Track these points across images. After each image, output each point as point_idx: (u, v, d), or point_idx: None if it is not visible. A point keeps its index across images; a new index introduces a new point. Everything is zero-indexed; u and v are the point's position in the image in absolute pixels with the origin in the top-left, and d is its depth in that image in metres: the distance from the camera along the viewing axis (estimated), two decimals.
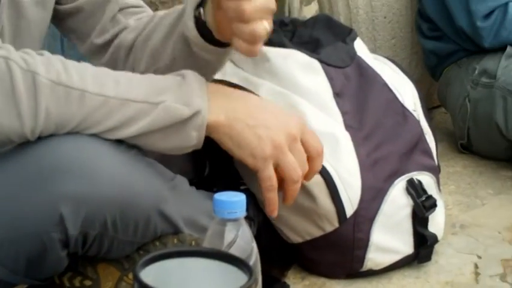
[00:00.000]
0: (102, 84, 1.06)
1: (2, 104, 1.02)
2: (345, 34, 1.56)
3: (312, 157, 1.16)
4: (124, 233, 1.12)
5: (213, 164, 1.22)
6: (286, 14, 3.07)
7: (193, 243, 1.16)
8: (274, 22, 1.62)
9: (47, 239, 1.06)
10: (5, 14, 1.18)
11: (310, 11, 3.54)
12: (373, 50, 2.60)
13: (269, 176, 1.12)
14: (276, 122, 1.12)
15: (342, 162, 1.39)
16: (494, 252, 1.67)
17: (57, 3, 1.31)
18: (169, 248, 1.14)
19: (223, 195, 0.95)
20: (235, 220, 0.94)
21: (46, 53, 1.07)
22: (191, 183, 1.24)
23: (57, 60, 1.07)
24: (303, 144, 1.15)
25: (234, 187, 1.46)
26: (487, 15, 2.20)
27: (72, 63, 1.07)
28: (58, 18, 1.35)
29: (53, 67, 1.05)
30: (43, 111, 1.03)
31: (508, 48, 2.21)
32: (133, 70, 1.26)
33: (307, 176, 1.18)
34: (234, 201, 0.94)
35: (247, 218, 0.97)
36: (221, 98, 1.12)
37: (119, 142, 1.09)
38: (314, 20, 1.61)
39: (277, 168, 1.12)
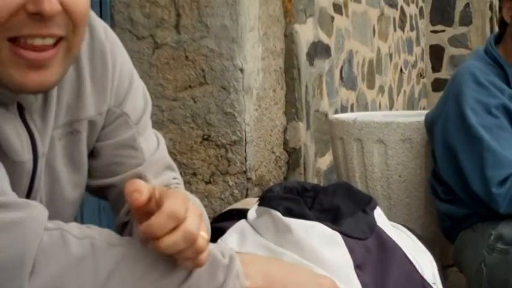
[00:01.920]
0: None
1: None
2: (365, 203, 1.59)
3: None
4: None
5: None
6: (302, 165, 3.12)
7: None
8: (296, 188, 1.67)
9: None
10: (42, 179, 1.20)
11: (324, 162, 3.60)
12: (388, 208, 2.64)
13: None
14: (310, 281, 1.17)
15: None
16: None
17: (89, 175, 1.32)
18: None
19: None
20: None
21: (92, 226, 1.08)
22: None
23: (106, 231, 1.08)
24: None
25: None
26: (502, 182, 2.21)
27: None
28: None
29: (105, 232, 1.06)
30: (104, 274, 1.01)
31: None
32: None
33: None
34: None
35: None
36: (255, 263, 1.15)
37: None
38: (334, 187, 1.65)
39: None
